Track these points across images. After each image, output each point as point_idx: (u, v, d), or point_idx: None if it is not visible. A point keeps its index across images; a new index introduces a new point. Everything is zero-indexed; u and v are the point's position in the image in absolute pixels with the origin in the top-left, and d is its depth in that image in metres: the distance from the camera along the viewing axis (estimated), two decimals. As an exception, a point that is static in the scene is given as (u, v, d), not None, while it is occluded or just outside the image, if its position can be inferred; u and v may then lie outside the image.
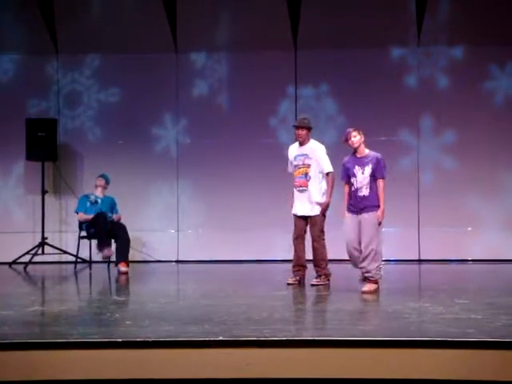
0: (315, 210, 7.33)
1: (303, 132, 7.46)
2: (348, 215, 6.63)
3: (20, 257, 10.10)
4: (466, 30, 10.46)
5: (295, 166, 7.46)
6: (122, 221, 9.41)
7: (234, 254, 10.51)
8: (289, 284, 7.25)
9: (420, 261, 10.49)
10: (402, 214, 10.56)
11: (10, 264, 10.19)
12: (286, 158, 7.72)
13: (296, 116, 10.77)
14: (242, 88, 10.86)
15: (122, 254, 9.09)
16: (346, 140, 6.67)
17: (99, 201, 9.52)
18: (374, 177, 6.58)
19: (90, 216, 9.32)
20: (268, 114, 10.79)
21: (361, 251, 6.52)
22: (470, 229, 10.56)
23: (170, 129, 10.97)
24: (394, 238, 10.57)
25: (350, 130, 6.69)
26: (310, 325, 5.08)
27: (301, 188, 7.37)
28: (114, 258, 9.14)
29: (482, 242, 10.47)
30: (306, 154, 7.42)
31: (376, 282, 6.54)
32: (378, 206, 6.56)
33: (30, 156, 10.42)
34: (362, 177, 6.58)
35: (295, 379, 4.04)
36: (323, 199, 7.32)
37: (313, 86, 10.84)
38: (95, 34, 10.79)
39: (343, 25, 10.49)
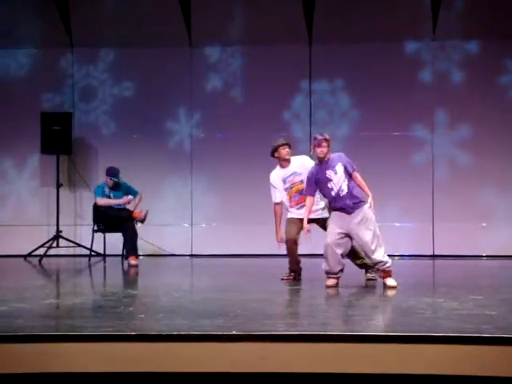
0: (325, 213, 7.19)
1: (290, 150, 7.32)
2: (336, 212, 6.47)
3: (35, 250, 10.16)
4: (481, 25, 10.40)
5: (286, 188, 7.27)
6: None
7: (247, 248, 10.51)
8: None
9: (434, 256, 10.46)
10: (416, 210, 10.54)
11: (24, 257, 10.25)
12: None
13: (311, 111, 10.78)
14: (256, 82, 10.84)
15: (131, 248, 9.16)
16: (315, 146, 6.44)
17: (112, 196, 9.52)
18: (347, 173, 6.45)
19: (112, 201, 9.35)
20: (282, 108, 10.78)
21: (341, 254, 6.46)
22: (484, 224, 10.51)
23: (183, 123, 10.98)
24: (408, 234, 10.55)
25: (321, 138, 6.43)
26: (323, 319, 5.07)
27: (301, 204, 7.14)
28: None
29: (496, 238, 10.41)
30: (293, 173, 7.26)
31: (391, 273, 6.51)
32: (364, 201, 6.45)
33: (45, 149, 10.46)
34: (337, 177, 6.40)
35: (308, 373, 4.04)
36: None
37: (327, 80, 10.81)
38: (110, 28, 10.81)
39: (358, 19, 10.45)
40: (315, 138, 6.49)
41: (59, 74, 11.05)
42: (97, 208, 9.54)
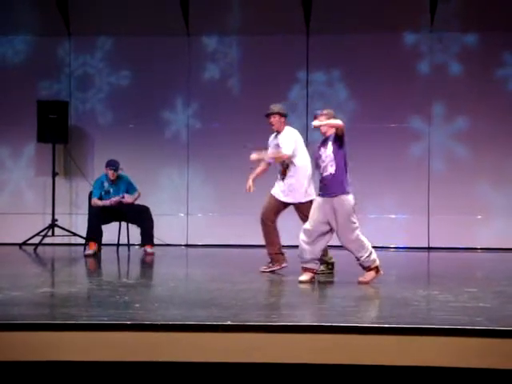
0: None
1: (274, 119, 7.31)
2: (317, 199, 6.36)
3: (30, 238, 10.15)
4: (480, 17, 10.38)
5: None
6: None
7: (242, 238, 10.51)
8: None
9: (429, 248, 10.47)
10: (411, 202, 10.54)
11: (20, 245, 10.24)
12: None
13: (307, 102, 10.77)
14: (253, 72, 10.82)
15: (148, 237, 9.33)
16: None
17: (111, 190, 9.50)
18: (337, 145, 6.26)
19: (104, 202, 9.35)
20: (278, 98, 10.71)
21: (311, 242, 6.28)
22: (479, 217, 10.53)
23: (180, 113, 10.96)
24: (404, 225, 10.56)
25: (319, 112, 6.44)
26: (317, 310, 5.09)
27: (281, 175, 7.22)
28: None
29: (491, 231, 10.44)
30: (276, 143, 7.29)
31: (377, 270, 6.37)
32: (347, 192, 6.25)
33: (41, 138, 10.44)
34: (325, 154, 6.27)
35: (302, 364, 4.05)
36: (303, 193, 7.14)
37: (324, 71, 10.80)
38: (107, 16, 10.77)
39: (356, 10, 10.43)
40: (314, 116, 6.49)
41: (56, 63, 11.01)
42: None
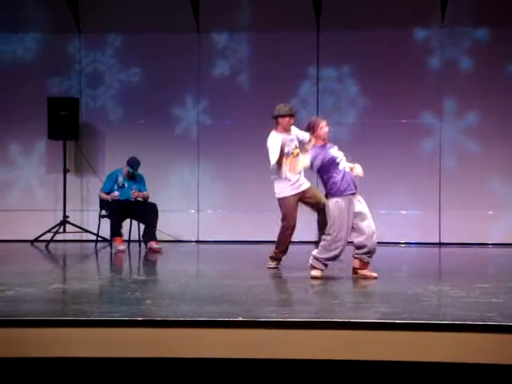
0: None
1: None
2: (340, 201, 6.25)
3: (42, 235, 10.19)
4: (491, 12, 10.34)
5: (287, 153, 7.15)
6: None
7: (253, 234, 10.52)
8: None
9: (440, 244, 10.45)
10: (423, 197, 10.52)
11: (31, 242, 10.29)
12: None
13: (318, 98, 10.75)
14: (264, 69, 10.81)
15: (150, 234, 9.36)
16: (324, 127, 6.39)
17: (126, 184, 9.56)
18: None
19: (106, 197, 9.42)
20: (289, 94, 10.73)
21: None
22: (491, 212, 10.50)
23: (190, 109, 10.97)
24: (415, 221, 10.54)
25: (320, 120, 6.48)
26: (328, 306, 5.08)
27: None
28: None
29: (503, 226, 10.41)
30: (292, 139, 7.24)
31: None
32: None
33: (52, 135, 10.47)
34: (340, 153, 6.37)
35: (314, 360, 4.05)
36: None
37: (335, 67, 10.77)
38: (117, 13, 10.78)
39: (366, 5, 10.40)
40: (320, 121, 6.44)
41: (66, 60, 11.03)
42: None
